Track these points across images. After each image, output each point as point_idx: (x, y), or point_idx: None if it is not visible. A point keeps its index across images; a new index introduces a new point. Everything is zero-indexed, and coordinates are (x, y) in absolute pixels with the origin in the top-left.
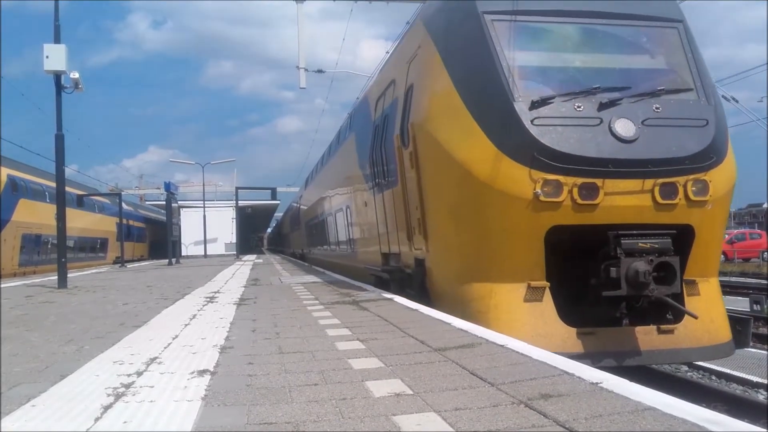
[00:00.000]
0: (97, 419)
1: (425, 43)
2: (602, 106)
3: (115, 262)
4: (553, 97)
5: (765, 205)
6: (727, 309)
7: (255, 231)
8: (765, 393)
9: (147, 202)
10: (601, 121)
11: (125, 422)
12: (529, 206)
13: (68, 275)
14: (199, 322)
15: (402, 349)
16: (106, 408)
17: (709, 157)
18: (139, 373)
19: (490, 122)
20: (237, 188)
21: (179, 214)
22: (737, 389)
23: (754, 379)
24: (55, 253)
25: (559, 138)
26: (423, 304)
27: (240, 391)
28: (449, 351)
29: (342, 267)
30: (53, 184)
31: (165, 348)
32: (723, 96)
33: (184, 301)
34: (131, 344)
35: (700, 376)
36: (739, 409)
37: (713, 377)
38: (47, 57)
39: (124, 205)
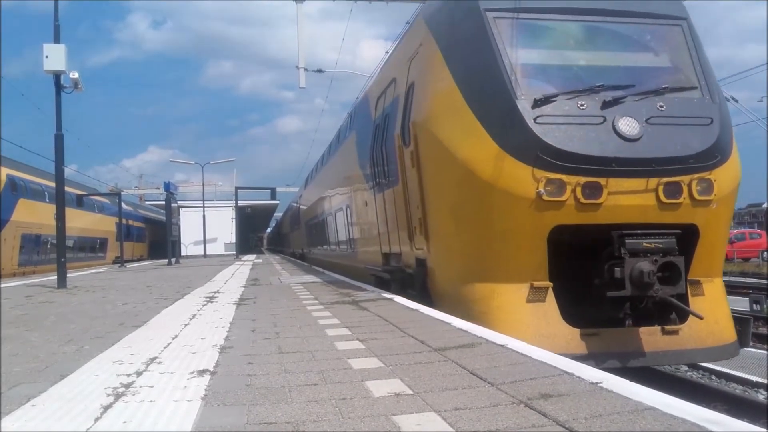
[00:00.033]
0: (96, 419)
1: (426, 40)
2: (606, 105)
3: (114, 262)
4: (556, 95)
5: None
6: None
7: (254, 231)
8: (765, 393)
9: (147, 202)
10: (605, 120)
11: (125, 422)
12: (531, 206)
13: (68, 275)
14: (198, 322)
15: (402, 348)
16: (106, 408)
17: (713, 155)
18: (139, 373)
19: (492, 121)
20: (237, 188)
21: (179, 214)
22: (737, 389)
23: (754, 379)
24: (54, 253)
25: (562, 136)
26: (425, 304)
27: (240, 391)
28: (449, 351)
29: (342, 267)
30: (53, 184)
31: (165, 348)
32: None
33: (183, 301)
34: (131, 344)
35: (700, 376)
36: (739, 409)
37: (713, 377)
38: (47, 57)
39: (123, 205)
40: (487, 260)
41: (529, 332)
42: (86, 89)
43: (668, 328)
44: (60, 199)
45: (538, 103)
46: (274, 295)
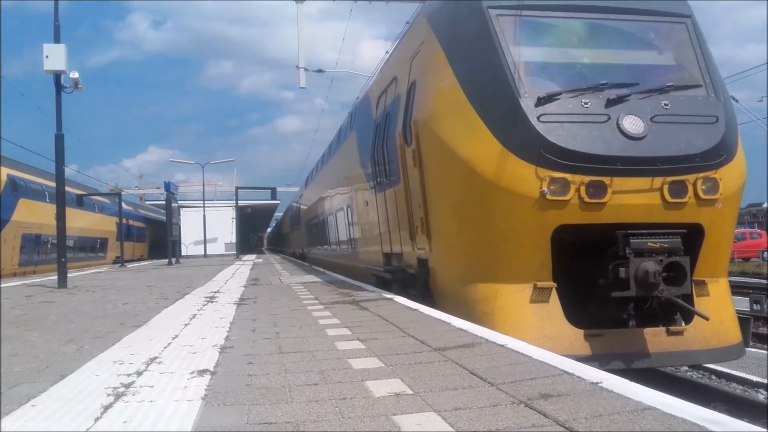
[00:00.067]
0: (97, 419)
1: (428, 39)
2: (610, 103)
3: (114, 262)
4: (560, 94)
5: (765, 205)
6: None
7: (255, 231)
8: (765, 393)
9: (147, 202)
10: (609, 118)
11: (125, 422)
12: (535, 205)
13: (68, 275)
14: (199, 321)
15: (402, 348)
16: (106, 408)
17: (719, 154)
18: (139, 373)
19: (495, 119)
20: (237, 188)
21: (179, 214)
22: (737, 389)
23: (754, 378)
24: (54, 252)
25: (566, 135)
26: (426, 305)
27: (240, 391)
28: (449, 351)
29: (343, 267)
30: (53, 184)
31: (165, 348)
32: None
33: (184, 301)
34: (131, 344)
35: (700, 376)
36: (739, 409)
37: (713, 377)
38: (47, 57)
39: (123, 205)
40: (489, 260)
41: (532, 333)
42: (86, 89)
43: (673, 328)
44: (60, 199)
45: (541, 101)
46: (274, 294)
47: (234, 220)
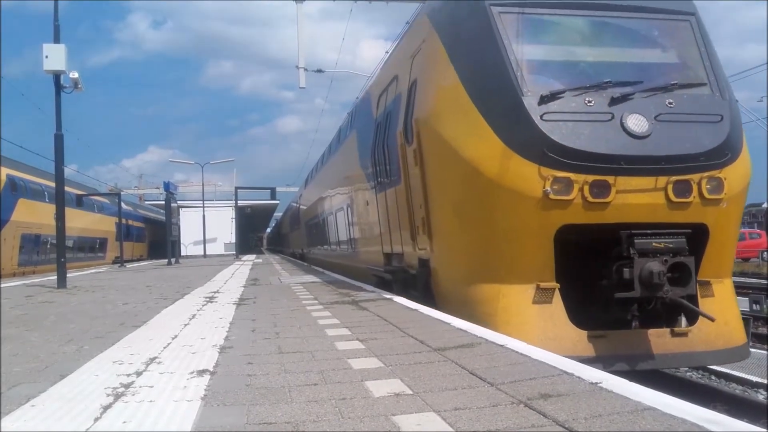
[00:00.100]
0: (96, 419)
1: (430, 36)
2: (614, 101)
3: (114, 262)
4: (563, 92)
5: (765, 205)
6: None
7: (254, 231)
8: (765, 393)
9: (146, 202)
10: (613, 117)
11: (125, 422)
12: (538, 205)
13: (68, 275)
14: (198, 322)
15: (401, 348)
16: (106, 408)
17: (724, 153)
18: (139, 373)
19: (497, 118)
20: (236, 188)
21: (178, 214)
22: (737, 389)
23: (754, 379)
24: (54, 252)
25: (569, 134)
26: (428, 305)
27: (239, 391)
28: (449, 351)
29: (343, 267)
30: (52, 184)
31: (164, 348)
32: None
33: (183, 301)
34: (131, 344)
35: (700, 376)
36: (739, 409)
37: (713, 377)
38: (47, 57)
39: (123, 205)
40: (492, 260)
41: (535, 334)
42: (86, 89)
43: (677, 330)
44: (60, 199)
45: (544, 100)
46: (274, 295)
47: (233, 220)
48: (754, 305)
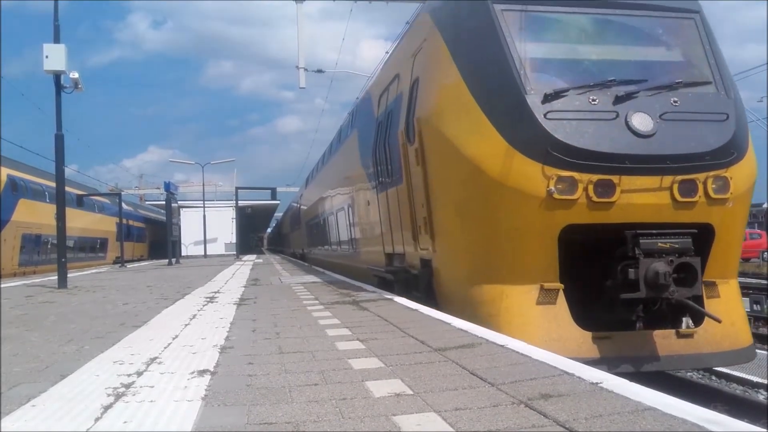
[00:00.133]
0: (97, 419)
1: (432, 35)
2: (618, 100)
3: (115, 262)
4: (567, 90)
5: (765, 205)
6: None
7: (255, 231)
8: (765, 393)
9: (147, 202)
10: (617, 115)
11: (125, 422)
12: (542, 204)
13: (68, 275)
14: (199, 322)
15: (402, 349)
16: (106, 408)
17: (729, 152)
18: (139, 373)
19: (500, 116)
20: (237, 188)
21: (179, 214)
22: (737, 389)
23: (754, 379)
24: (54, 253)
25: (573, 132)
26: (430, 306)
27: (240, 391)
28: (449, 351)
29: (343, 267)
30: (53, 184)
31: (165, 348)
32: None
33: (184, 301)
34: (131, 344)
35: (700, 376)
36: (739, 409)
37: (713, 377)
38: (47, 57)
39: (123, 205)
40: (495, 261)
41: (538, 335)
42: (86, 89)
43: (683, 331)
44: (60, 199)
45: (548, 98)
46: (274, 295)
47: (234, 220)
48: (754, 305)
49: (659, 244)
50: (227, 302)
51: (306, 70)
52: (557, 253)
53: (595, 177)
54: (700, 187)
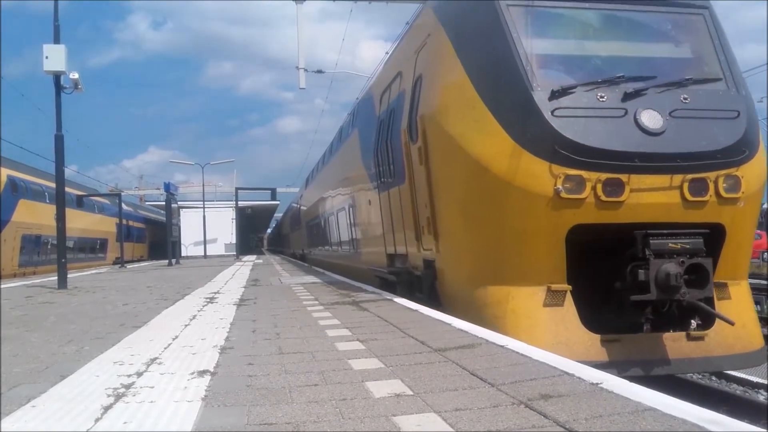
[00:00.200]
0: (97, 420)
1: (435, 30)
2: (627, 97)
3: (114, 263)
4: (575, 87)
5: (765, 206)
6: None
7: (255, 231)
8: (765, 393)
9: (147, 203)
10: (626, 113)
11: (125, 423)
12: (549, 204)
13: (68, 276)
14: (199, 322)
15: (402, 349)
16: (107, 408)
17: (741, 151)
18: (139, 374)
19: (507, 114)
20: (237, 189)
21: (179, 215)
22: (737, 389)
23: (754, 379)
24: (54, 253)
25: (581, 130)
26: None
27: (240, 392)
28: (449, 351)
29: (344, 268)
30: (53, 185)
31: (165, 348)
32: None
33: (184, 302)
34: (131, 345)
35: (700, 376)
36: (739, 409)
37: (713, 378)
38: (47, 57)
39: (123, 206)
40: (501, 261)
41: (546, 338)
42: (86, 90)
43: (694, 333)
44: (60, 200)
45: (555, 95)
46: (274, 295)
47: (234, 220)
48: (755, 306)
49: (670, 245)
50: (227, 303)
51: (306, 70)
52: (565, 254)
53: (603, 176)
54: (711, 186)
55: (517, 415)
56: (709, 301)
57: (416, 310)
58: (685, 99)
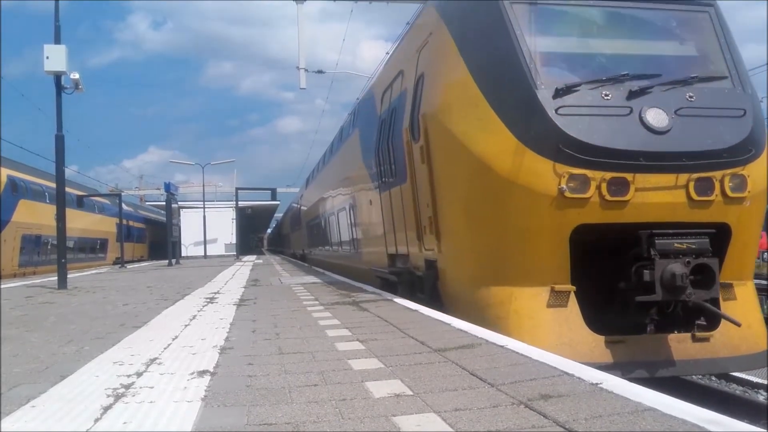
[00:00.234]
0: (97, 420)
1: (438, 28)
2: (632, 95)
3: (115, 263)
4: (579, 85)
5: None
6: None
7: (255, 231)
8: (765, 393)
9: (147, 203)
10: (631, 111)
11: (125, 423)
12: (553, 203)
13: (68, 276)
14: (199, 322)
15: (402, 349)
16: (106, 409)
17: (747, 149)
18: (139, 374)
19: (510, 112)
20: (237, 189)
21: (179, 215)
22: (737, 389)
23: (754, 379)
24: (55, 253)
25: (586, 129)
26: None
27: (240, 392)
28: (449, 351)
29: (345, 268)
30: (53, 185)
31: (165, 348)
32: None
33: (184, 302)
34: (131, 345)
35: (700, 376)
36: (739, 409)
37: (713, 378)
38: (47, 57)
39: (124, 206)
40: (504, 262)
41: (549, 339)
42: (87, 90)
43: (699, 334)
44: (60, 200)
45: (559, 93)
46: (274, 295)
47: (234, 220)
48: None
49: (676, 245)
50: (227, 303)
51: (306, 70)
52: (568, 254)
53: (608, 175)
54: (717, 185)
55: (517, 415)
56: (715, 301)
57: (416, 311)
58: (690, 97)
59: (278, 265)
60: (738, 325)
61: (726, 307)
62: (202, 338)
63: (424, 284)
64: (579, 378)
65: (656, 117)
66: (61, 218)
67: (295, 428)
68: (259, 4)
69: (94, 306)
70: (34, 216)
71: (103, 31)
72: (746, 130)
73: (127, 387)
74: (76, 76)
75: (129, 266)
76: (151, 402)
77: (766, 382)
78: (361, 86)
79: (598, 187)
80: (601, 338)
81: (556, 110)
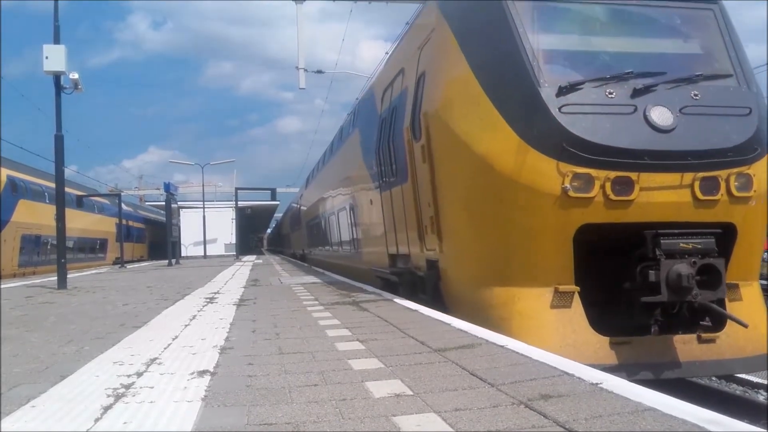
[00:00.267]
0: (97, 420)
1: (439, 26)
2: (636, 93)
3: (114, 263)
4: (583, 83)
5: None
6: None
7: (255, 231)
8: (765, 393)
9: (146, 203)
10: (636, 109)
11: (125, 423)
12: (556, 203)
13: (68, 276)
14: (199, 322)
15: (402, 349)
16: (106, 409)
17: (753, 148)
18: (139, 374)
19: (513, 110)
20: (236, 189)
21: (179, 215)
22: (737, 389)
23: (754, 379)
24: (54, 253)
25: (589, 127)
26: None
27: (240, 392)
28: (449, 351)
29: (345, 268)
30: (53, 185)
31: (165, 348)
32: None
33: (184, 302)
34: (131, 345)
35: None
36: (739, 409)
37: (713, 378)
38: (47, 58)
39: (123, 206)
40: (507, 262)
41: (553, 340)
42: (86, 90)
43: (705, 336)
44: (60, 200)
45: (563, 91)
46: (274, 295)
47: (234, 220)
48: None
49: (681, 245)
50: (227, 303)
51: (306, 70)
52: (572, 254)
53: (612, 174)
54: (723, 184)
55: (517, 415)
56: (721, 302)
57: (416, 311)
58: (695, 95)
59: (278, 265)
60: (745, 326)
61: (732, 308)
62: (202, 338)
63: (425, 284)
64: (579, 378)
65: (661, 115)
66: (60, 218)
67: (295, 428)
68: (258, 4)
69: (94, 306)
70: (34, 216)
71: (103, 31)
72: (752, 129)
73: (127, 387)
74: (75, 76)
75: (129, 266)
76: (151, 402)
77: (766, 383)
78: (361, 86)
79: (603, 187)
80: (606, 339)
81: (559, 108)
